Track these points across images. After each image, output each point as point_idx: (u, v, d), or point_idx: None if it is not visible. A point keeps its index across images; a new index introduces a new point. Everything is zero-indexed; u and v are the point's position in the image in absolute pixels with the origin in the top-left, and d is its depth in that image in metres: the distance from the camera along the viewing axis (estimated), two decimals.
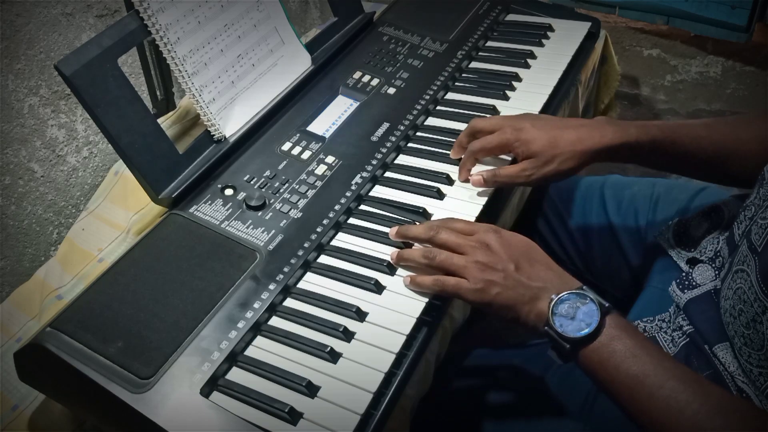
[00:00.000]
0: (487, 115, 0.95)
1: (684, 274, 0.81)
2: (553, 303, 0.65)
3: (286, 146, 0.87)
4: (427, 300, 0.71)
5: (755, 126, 0.80)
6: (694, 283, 0.78)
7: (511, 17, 1.16)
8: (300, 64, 0.97)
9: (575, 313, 0.65)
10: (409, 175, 0.87)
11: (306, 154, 0.87)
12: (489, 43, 1.11)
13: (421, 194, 0.84)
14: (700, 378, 0.63)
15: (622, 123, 0.80)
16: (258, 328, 0.69)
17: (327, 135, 0.90)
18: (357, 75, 0.99)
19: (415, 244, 0.76)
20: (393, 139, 0.90)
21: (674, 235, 0.90)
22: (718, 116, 0.79)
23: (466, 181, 0.85)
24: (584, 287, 0.66)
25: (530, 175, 0.80)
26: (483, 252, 0.69)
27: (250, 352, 0.67)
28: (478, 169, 0.85)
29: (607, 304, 0.65)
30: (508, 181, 0.82)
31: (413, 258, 0.73)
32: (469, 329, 0.88)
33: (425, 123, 0.96)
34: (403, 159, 0.90)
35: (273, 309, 0.71)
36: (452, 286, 0.69)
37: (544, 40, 1.09)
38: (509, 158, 0.86)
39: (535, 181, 0.81)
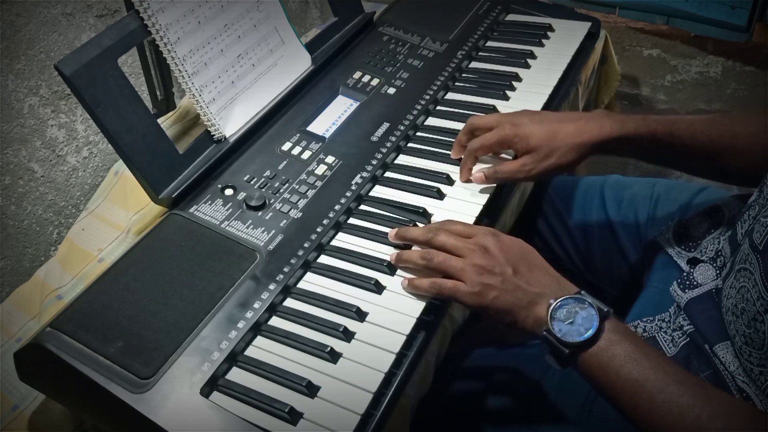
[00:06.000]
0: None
1: (685, 273, 0.81)
2: (551, 308, 0.65)
3: (286, 146, 0.87)
4: (427, 300, 0.71)
5: (753, 121, 0.80)
6: (695, 283, 0.78)
7: (511, 17, 1.16)
8: (300, 64, 0.97)
9: (574, 318, 0.65)
10: (409, 175, 0.87)
11: (306, 154, 0.87)
12: (489, 43, 1.11)
13: (421, 194, 0.84)
14: (701, 382, 0.63)
15: (621, 116, 0.80)
16: (258, 328, 0.69)
17: (327, 135, 0.90)
18: (357, 75, 0.99)
19: (414, 246, 0.76)
20: (393, 139, 0.90)
21: (674, 235, 0.90)
22: (718, 111, 0.79)
23: (468, 181, 0.85)
24: (582, 292, 0.66)
25: (531, 169, 0.80)
26: (481, 255, 0.69)
27: (250, 352, 0.67)
28: (479, 168, 0.85)
29: (605, 309, 0.65)
30: (508, 176, 0.82)
31: (411, 259, 0.73)
32: (469, 329, 0.88)
33: (425, 123, 0.96)
34: (403, 159, 0.90)
35: (273, 309, 0.71)
36: (449, 289, 0.69)
37: (544, 40, 1.09)
38: (510, 157, 0.87)
39: (536, 176, 0.81)
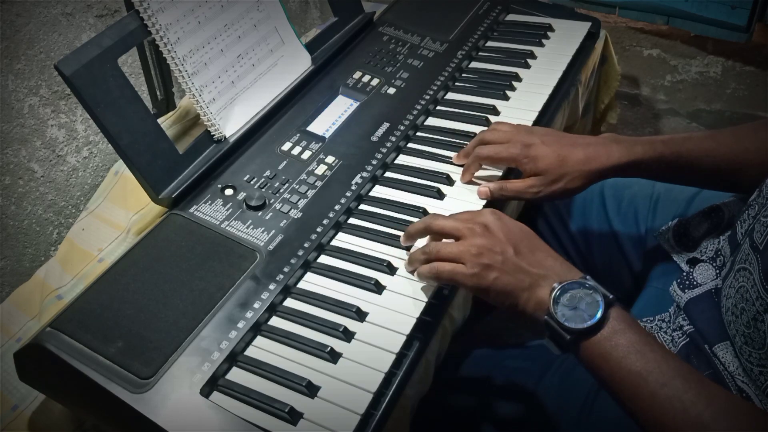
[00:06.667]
0: (492, 118, 0.95)
1: (685, 273, 0.81)
2: (555, 291, 0.64)
3: (286, 146, 0.87)
4: (427, 300, 0.71)
5: (761, 135, 0.80)
6: (695, 283, 0.78)
7: (511, 17, 1.16)
8: (300, 64, 0.97)
9: (578, 303, 0.63)
10: (409, 175, 0.87)
11: (306, 154, 0.87)
12: (489, 43, 1.11)
13: (421, 194, 0.84)
14: (705, 378, 0.62)
15: (628, 140, 0.80)
16: (258, 328, 0.69)
17: (327, 135, 0.90)
18: (357, 75, 0.99)
19: (418, 242, 0.75)
20: (393, 139, 0.90)
21: (674, 235, 0.90)
22: (722, 127, 0.79)
23: (469, 183, 0.85)
24: (588, 277, 0.65)
25: (537, 192, 0.80)
26: (481, 234, 0.68)
27: (250, 352, 0.67)
28: (485, 182, 0.85)
29: (611, 296, 0.63)
30: (514, 195, 0.82)
31: (415, 257, 0.73)
32: (469, 329, 0.88)
33: (425, 123, 0.96)
34: (403, 159, 0.90)
35: (273, 309, 0.71)
36: (447, 271, 0.68)
37: (544, 40, 1.09)
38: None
39: (542, 199, 0.81)
